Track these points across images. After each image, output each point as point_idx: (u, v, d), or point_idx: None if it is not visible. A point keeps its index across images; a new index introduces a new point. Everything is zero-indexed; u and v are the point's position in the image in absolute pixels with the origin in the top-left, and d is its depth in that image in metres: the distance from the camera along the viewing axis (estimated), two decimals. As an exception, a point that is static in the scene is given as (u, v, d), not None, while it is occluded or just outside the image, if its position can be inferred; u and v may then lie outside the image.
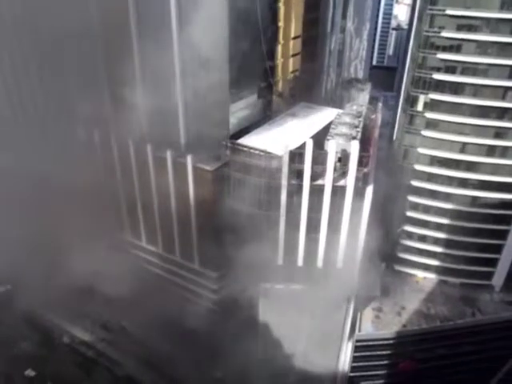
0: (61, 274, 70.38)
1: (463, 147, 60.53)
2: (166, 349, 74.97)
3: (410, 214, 66.10)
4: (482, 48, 55.07)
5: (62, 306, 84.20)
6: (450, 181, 62.61)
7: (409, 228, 67.29)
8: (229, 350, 67.65)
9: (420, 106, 60.96)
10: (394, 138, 75.77)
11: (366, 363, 64.55)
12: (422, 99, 60.43)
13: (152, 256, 74.23)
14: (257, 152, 53.69)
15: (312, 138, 51.45)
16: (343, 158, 50.93)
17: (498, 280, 66.93)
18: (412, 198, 65.35)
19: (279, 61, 61.98)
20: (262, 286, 58.78)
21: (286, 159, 51.19)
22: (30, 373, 75.47)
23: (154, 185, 65.54)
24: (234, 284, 63.17)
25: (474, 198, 62.41)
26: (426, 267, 68.83)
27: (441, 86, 58.33)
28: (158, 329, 75.40)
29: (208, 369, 72.50)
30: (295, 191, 53.15)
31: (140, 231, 73.37)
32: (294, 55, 64.42)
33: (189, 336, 72.71)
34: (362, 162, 50.84)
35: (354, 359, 63.56)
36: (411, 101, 61.59)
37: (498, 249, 64.60)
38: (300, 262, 58.36)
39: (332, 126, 54.45)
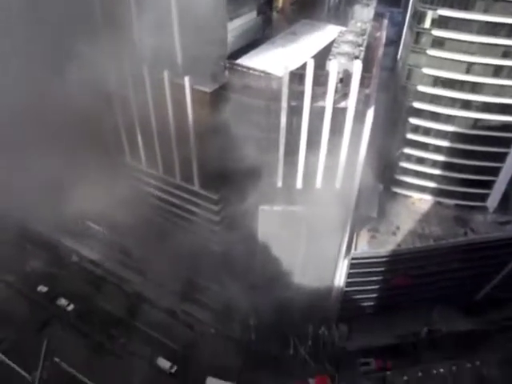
0: (67, 199, 71.75)
1: (469, 67, 58.85)
2: (171, 268, 78.57)
3: (410, 136, 65.87)
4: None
5: (69, 228, 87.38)
6: (452, 102, 61.64)
7: (408, 150, 67.42)
8: (231, 269, 71.10)
9: (427, 23, 58.34)
10: (399, 57, 73.48)
11: (361, 279, 67.99)
12: (429, 15, 57.67)
13: (153, 179, 75.09)
14: (256, 73, 52.34)
15: (313, 57, 49.75)
16: (345, 79, 49.70)
17: (492, 202, 68.40)
18: (413, 120, 64.76)
19: (280, -27, 58.41)
20: (262, 208, 60.19)
21: (286, 80, 49.95)
22: (42, 289, 79.94)
23: (152, 107, 64.59)
24: (234, 206, 64.68)
25: (476, 120, 61.88)
26: (423, 189, 70.00)
27: (450, 1, 55.40)
28: (162, 250, 78.47)
29: (209, 283, 76.44)
30: (295, 113, 52.52)
31: (140, 155, 73.56)
32: (295, -34, 60.56)
33: (192, 256, 75.94)
34: (364, 83, 49.72)
35: (350, 275, 66.86)
36: (418, 17, 58.85)
37: (495, 171, 65.26)
38: (299, 184, 59.26)
39: (334, 45, 52.53)
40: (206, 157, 63.54)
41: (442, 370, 66.96)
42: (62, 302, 77.63)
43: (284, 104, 51.77)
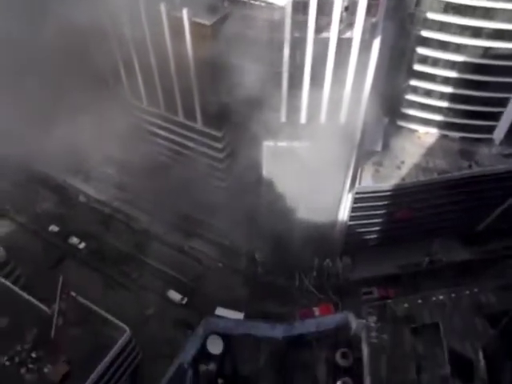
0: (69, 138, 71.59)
1: (482, -9, 55.73)
2: (176, 205, 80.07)
3: (417, 67, 63.81)
4: None
5: (75, 169, 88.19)
6: (463, 30, 58.95)
7: (415, 82, 65.62)
8: (237, 205, 72.38)
9: None
10: (407, -18, 69.32)
11: (365, 213, 69.10)
12: None
13: (155, 117, 74.36)
14: (257, 3, 50.06)
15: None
16: (350, 7, 47.45)
17: (498, 134, 67.61)
18: (421, 50, 62.40)
19: None
20: (266, 144, 60.00)
21: (288, 10, 47.76)
22: (53, 228, 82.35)
23: (150, 43, 62.64)
24: (238, 143, 64.56)
25: (487, 49, 59.55)
26: (429, 122, 68.98)
27: None
28: (167, 188, 79.45)
29: (215, 220, 78.14)
30: (298, 45, 50.74)
31: (140, 92, 72.32)
32: None
33: (198, 193, 77.04)
34: (370, 11, 47.50)
35: (353, 210, 67.89)
36: None
37: (503, 102, 63.82)
38: (303, 119, 58.60)
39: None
40: (208, 92, 62.56)
41: (441, 298, 69.69)
42: (74, 240, 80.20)
43: (287, 35, 49.93)
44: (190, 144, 73.29)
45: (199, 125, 69.35)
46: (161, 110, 72.10)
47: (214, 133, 68.95)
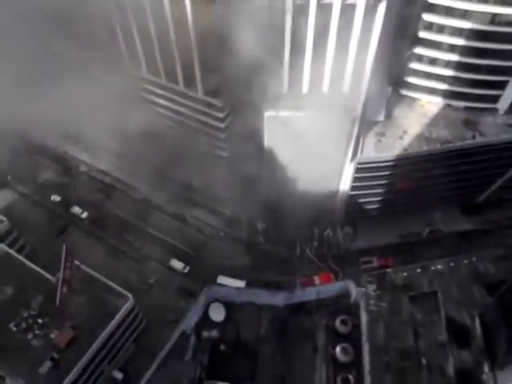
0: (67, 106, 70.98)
1: (492, -47, 53.83)
2: (177, 174, 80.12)
3: (422, 34, 62.33)
4: None
5: (75, 138, 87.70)
6: (470, -5, 57.36)
7: (420, 50, 64.23)
8: (238, 175, 72.37)
9: None
10: None
11: (366, 183, 69.04)
12: None
13: (155, 87, 73.26)
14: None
15: None
16: (355, -29, 46.08)
17: (503, 103, 66.64)
18: (426, 17, 60.77)
19: None
20: (267, 113, 59.34)
21: (291, -27, 46.48)
22: (55, 198, 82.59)
23: (149, 7, 60.95)
24: (239, 112, 63.89)
25: (494, 16, 57.94)
26: (433, 91, 67.91)
27: None
28: (168, 158, 79.22)
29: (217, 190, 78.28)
30: (301, 12, 49.39)
31: (140, 61, 70.96)
32: None
33: (199, 162, 76.95)
34: (375, -25, 46.10)
35: (355, 180, 67.79)
36: None
37: (509, 70, 62.63)
38: (305, 89, 57.72)
39: None
40: (209, 60, 61.26)
41: (439, 267, 70.66)
42: (76, 209, 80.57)
43: (289, 5, 48.59)
44: (191, 113, 72.50)
45: (200, 94, 68.35)
46: (161, 78, 70.89)
47: (214, 102, 68.05)
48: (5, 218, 67.09)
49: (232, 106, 68.26)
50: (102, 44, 71.33)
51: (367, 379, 63.97)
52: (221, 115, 69.34)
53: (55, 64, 69.64)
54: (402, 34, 63.20)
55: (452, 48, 62.36)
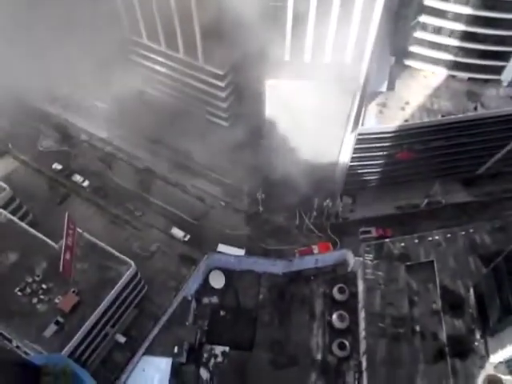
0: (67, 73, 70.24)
1: None
2: (178, 143, 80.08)
3: (427, 2, 61.04)
4: None
5: (76, 106, 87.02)
6: (478, -38, 55.91)
7: (424, 18, 63.00)
8: (239, 144, 72.30)
9: None
10: None
11: (366, 154, 69.01)
12: None
13: (155, 54, 72.37)
14: None
15: None
16: None
17: (507, 74, 65.90)
18: (433, -16, 59.47)
19: None
20: (269, 82, 58.82)
21: None
22: (56, 166, 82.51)
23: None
24: (241, 81, 63.28)
25: (502, -17, 56.70)
26: (437, 61, 67.04)
27: None
28: (168, 126, 78.91)
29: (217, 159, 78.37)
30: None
31: (139, 27, 69.81)
32: None
33: (200, 132, 76.73)
34: None
35: (355, 150, 67.65)
36: None
37: (515, 41, 61.79)
38: (307, 58, 57.03)
39: None
40: (209, 27, 60.25)
41: (436, 237, 71.63)
42: (77, 178, 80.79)
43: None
44: (192, 82, 71.86)
45: (200, 62, 67.59)
46: (161, 45, 69.96)
47: (215, 70, 67.38)
48: (7, 186, 67.39)
49: (233, 75, 67.65)
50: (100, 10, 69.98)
51: (362, 344, 66.09)
52: (222, 84, 68.85)
53: (53, 29, 68.43)
54: (407, 2, 61.94)
55: (457, 17, 61.15)
